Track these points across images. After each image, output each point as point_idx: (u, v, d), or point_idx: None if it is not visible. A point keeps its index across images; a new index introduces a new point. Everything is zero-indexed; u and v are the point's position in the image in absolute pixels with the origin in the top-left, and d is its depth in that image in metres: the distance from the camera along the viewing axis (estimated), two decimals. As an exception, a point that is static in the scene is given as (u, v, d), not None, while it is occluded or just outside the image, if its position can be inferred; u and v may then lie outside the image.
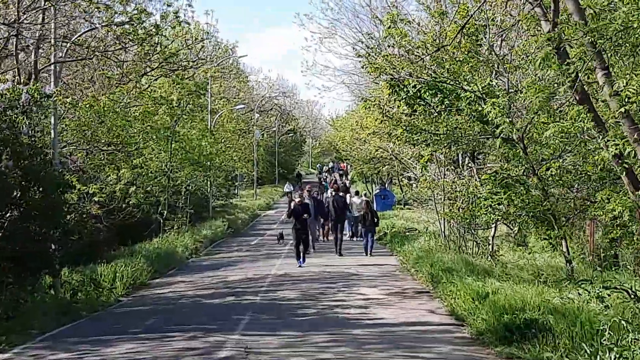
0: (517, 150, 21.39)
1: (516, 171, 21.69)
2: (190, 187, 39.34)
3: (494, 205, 21.35)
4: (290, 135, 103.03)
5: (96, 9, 20.25)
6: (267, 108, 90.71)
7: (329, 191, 45.90)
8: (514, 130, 20.42)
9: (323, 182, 68.54)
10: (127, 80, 26.39)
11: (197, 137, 38.19)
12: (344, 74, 50.76)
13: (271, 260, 29.84)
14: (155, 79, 36.49)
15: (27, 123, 17.80)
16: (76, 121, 24.81)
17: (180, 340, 14.79)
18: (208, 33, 36.83)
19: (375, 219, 32.89)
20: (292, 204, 29.11)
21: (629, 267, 26.34)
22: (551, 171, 21.53)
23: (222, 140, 46.79)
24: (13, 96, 17.90)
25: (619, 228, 17.93)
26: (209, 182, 45.26)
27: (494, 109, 17.94)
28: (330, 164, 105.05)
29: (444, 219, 29.15)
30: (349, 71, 49.27)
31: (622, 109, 13.16)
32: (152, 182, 34.85)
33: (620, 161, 14.77)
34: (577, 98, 15.18)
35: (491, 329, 14.43)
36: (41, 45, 21.24)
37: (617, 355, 11.33)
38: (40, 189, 17.87)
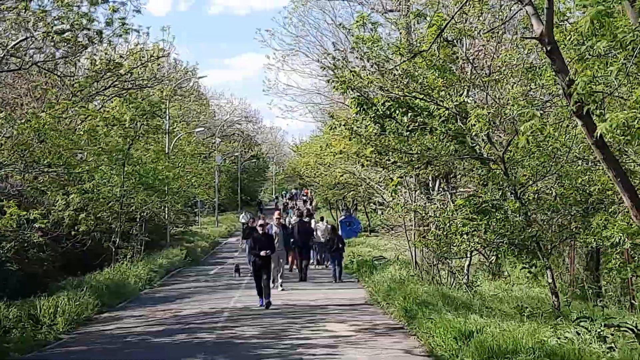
0: (497, 172, 19.70)
1: (493, 195, 20.20)
2: (145, 214, 37.23)
3: (471, 232, 19.68)
4: (253, 161, 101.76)
5: (33, 16, 18.25)
6: (230, 133, 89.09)
7: (292, 217, 43.87)
8: (494, 149, 18.79)
9: (288, 209, 67.08)
10: (77, 99, 24.52)
11: (152, 159, 36.03)
12: (308, 93, 49.12)
13: (230, 292, 27.61)
14: (109, 99, 34.80)
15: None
16: (13, 139, 22.59)
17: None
18: (164, 50, 34.41)
19: (341, 244, 32.56)
20: (253, 235, 24.74)
21: (613, 297, 24.99)
22: (534, 195, 19.97)
23: (180, 164, 44.61)
24: None
25: (619, 256, 16.18)
26: (166, 208, 43.22)
27: (479, 121, 16.05)
28: (293, 191, 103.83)
29: (416, 247, 27.40)
30: (313, 90, 47.56)
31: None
32: (104, 208, 32.64)
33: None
34: (574, 110, 13.29)
35: (478, 376, 12.57)
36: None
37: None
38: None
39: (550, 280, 19.35)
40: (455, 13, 15.12)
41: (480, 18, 18.78)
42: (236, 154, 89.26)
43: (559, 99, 16.29)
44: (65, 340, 19.20)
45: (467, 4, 14.65)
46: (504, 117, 18.29)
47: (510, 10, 13.80)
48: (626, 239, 14.78)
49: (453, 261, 25.29)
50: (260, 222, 22.92)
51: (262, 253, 22.46)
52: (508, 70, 18.28)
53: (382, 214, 44.93)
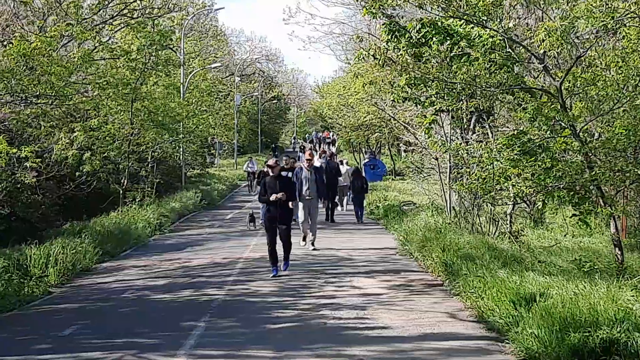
0: (555, 105, 17.07)
1: (542, 134, 17.67)
2: (156, 154, 34.78)
3: (524, 175, 17.15)
4: (274, 102, 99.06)
5: None
6: (249, 72, 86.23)
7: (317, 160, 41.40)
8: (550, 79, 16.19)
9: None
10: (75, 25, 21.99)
11: (163, 95, 33.39)
12: (333, 23, 46.24)
13: (246, 239, 25.03)
14: (117, 30, 32.35)
15: None
16: (-3, 66, 20.02)
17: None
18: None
19: (365, 186, 32.50)
20: (264, 179, 18.18)
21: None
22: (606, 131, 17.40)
23: (196, 102, 42.00)
24: None
25: None
26: (180, 149, 40.75)
27: (549, 36, 13.33)
28: (315, 135, 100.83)
29: (453, 191, 24.85)
30: (337, 20, 44.67)
31: None
32: (111, 147, 30.14)
33: None
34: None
35: (549, 352, 9.94)
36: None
37: None
38: None
39: (614, 231, 16.79)
40: None
41: None
42: (256, 94, 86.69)
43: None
44: (54, 295, 16.90)
45: None
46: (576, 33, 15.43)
47: None
48: None
49: (495, 207, 22.73)
50: (271, 161, 17.60)
51: (272, 197, 16.33)
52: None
53: (411, 155, 42.33)
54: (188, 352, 10.90)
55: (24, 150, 20.35)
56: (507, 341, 11.18)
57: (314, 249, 20.89)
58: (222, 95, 60.74)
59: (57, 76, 19.93)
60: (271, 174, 16.93)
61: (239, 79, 74.47)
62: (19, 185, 21.57)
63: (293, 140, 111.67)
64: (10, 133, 21.80)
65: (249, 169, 51.13)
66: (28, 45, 18.24)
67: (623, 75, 15.80)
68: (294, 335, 11.83)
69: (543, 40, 13.48)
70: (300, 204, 20.30)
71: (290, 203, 16.96)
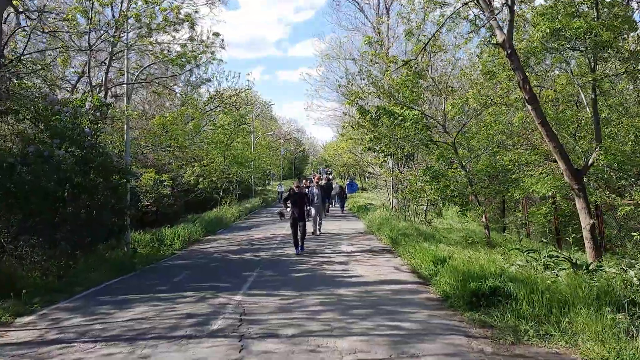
0: (451, 151, 15.59)
1: (440, 168, 16.36)
2: (237, 178, 33.20)
3: (436, 189, 15.65)
4: (301, 152, 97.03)
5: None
6: (288, 138, 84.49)
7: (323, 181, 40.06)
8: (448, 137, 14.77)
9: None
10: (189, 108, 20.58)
11: (241, 148, 31.80)
12: (331, 110, 45.34)
13: (284, 223, 23.15)
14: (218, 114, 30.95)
15: (89, 125, 11.44)
16: (146, 130, 18.57)
17: (189, 302, 8.55)
18: (249, 88, 30.18)
19: (345, 195, 33.29)
20: (290, 192, 15.54)
21: (514, 229, 20.98)
22: (477, 165, 15.94)
23: (259, 152, 40.53)
24: (79, 103, 11.74)
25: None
26: (251, 176, 39.18)
27: (453, 108, 11.77)
28: (321, 169, 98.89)
29: (393, 198, 23.28)
30: (334, 108, 43.60)
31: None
32: (214, 175, 28.68)
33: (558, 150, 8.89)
34: (526, 97, 8.99)
35: (458, 293, 8.30)
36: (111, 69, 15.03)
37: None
38: (101, 173, 11.69)
39: (484, 220, 15.22)
40: (436, 32, 10.82)
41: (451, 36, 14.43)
42: (292, 149, 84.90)
43: (502, 97, 11.95)
44: (177, 254, 15.26)
45: (444, 26, 10.29)
46: (467, 108, 13.94)
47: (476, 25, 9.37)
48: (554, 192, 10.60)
49: (414, 206, 21.13)
50: (296, 183, 15.59)
51: (288, 210, 14.59)
52: (466, 79, 13.99)
53: (371, 179, 41.01)
54: (245, 292, 9.31)
55: (163, 176, 18.84)
56: (430, 285, 9.57)
57: (321, 233, 18.61)
58: (274, 149, 58.98)
59: (181, 136, 18.44)
60: (295, 191, 14.78)
61: (283, 140, 72.79)
62: (161, 196, 19.98)
63: (312, 173, 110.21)
64: (156, 167, 20.23)
65: (278, 188, 47.36)
66: (164, 120, 16.67)
67: (486, 136, 14.40)
68: (307, 281, 10.22)
69: (449, 110, 11.88)
70: (313, 209, 18.01)
71: (305, 209, 15.24)
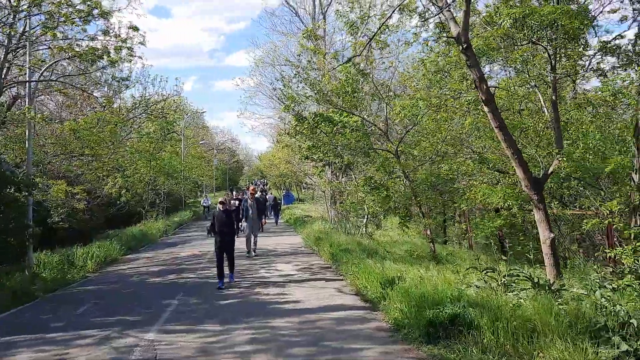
0: (393, 160, 14.73)
1: (382, 177, 15.54)
2: (165, 190, 31.14)
3: (375, 200, 14.72)
4: (235, 163, 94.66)
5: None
6: (222, 147, 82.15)
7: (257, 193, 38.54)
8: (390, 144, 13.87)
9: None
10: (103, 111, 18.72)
11: (169, 158, 29.79)
12: (266, 118, 44.13)
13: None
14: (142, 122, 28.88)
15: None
16: (54, 137, 16.54)
17: (87, 345, 6.93)
18: (178, 92, 28.25)
19: (279, 207, 32.88)
20: (214, 212, 12.31)
21: (455, 242, 20.41)
22: (419, 175, 15.11)
23: (190, 162, 38.53)
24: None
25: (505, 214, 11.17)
26: (181, 187, 37.09)
27: (403, 109, 10.78)
28: (256, 180, 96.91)
29: (332, 209, 22.23)
30: (269, 116, 42.40)
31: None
32: (139, 186, 26.63)
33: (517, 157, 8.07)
34: (483, 98, 8.08)
35: (412, 323, 7.20)
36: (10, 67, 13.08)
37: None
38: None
39: (429, 233, 14.42)
40: (382, 24, 9.77)
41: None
42: (225, 159, 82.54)
43: (454, 98, 11.06)
44: (89, 278, 13.48)
45: (390, 20, 9.31)
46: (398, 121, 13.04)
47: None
48: (512, 202, 9.77)
49: (354, 218, 20.17)
50: (221, 198, 11.98)
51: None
52: (409, 83, 13.09)
53: (308, 190, 39.95)
54: (160, 327, 7.82)
55: (77, 189, 16.87)
56: (379, 311, 8.45)
57: (256, 255, 16.03)
58: (207, 159, 56.76)
59: (96, 143, 16.49)
60: (221, 208, 11.47)
61: (216, 150, 70.43)
62: (74, 210, 17.92)
63: (247, 184, 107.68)
64: (69, 178, 18.13)
65: (204, 203, 40.71)
66: (77, 125, 14.79)
67: (429, 144, 13.64)
68: (237, 310, 8.84)
69: (399, 112, 10.91)
70: (246, 224, 16.04)
71: (239, 226, 13.51)
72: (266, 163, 55.92)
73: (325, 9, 28.66)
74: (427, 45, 10.44)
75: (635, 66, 7.97)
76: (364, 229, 18.89)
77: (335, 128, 15.37)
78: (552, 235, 8.57)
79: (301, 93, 15.31)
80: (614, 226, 7.72)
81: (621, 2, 10.14)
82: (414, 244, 16.85)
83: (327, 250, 14.53)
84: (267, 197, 34.33)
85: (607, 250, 7.45)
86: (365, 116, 15.90)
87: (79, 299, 10.48)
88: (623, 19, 14.58)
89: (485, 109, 8.10)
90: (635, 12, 11.08)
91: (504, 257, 8.16)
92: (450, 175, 15.53)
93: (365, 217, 18.98)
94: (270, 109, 37.94)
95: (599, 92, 8.45)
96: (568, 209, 12.66)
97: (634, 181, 8.69)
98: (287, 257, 15.38)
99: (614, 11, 10.67)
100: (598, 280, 7.50)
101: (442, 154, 14.20)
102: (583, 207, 11.91)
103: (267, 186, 74.94)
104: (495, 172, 14.51)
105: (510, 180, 12.55)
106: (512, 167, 13.21)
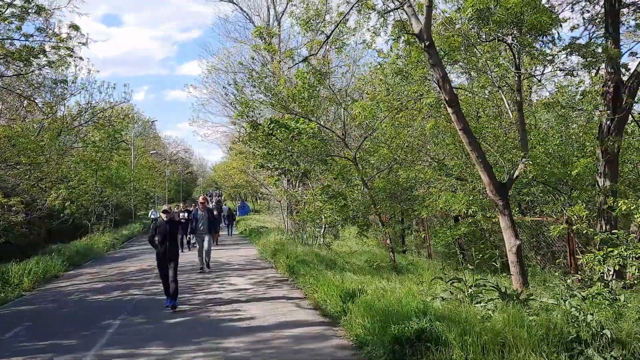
0: (351, 168, 14.30)
1: (340, 186, 15.12)
2: (113, 202, 29.75)
3: (336, 209, 14.25)
4: (188, 174, 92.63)
5: None
6: (175, 158, 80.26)
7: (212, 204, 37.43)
8: (348, 150, 13.45)
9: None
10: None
11: (116, 167, 28.48)
12: (219, 126, 43.26)
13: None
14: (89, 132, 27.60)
15: None
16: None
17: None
18: (126, 98, 27.20)
19: (233, 218, 31.95)
20: (156, 221, 11.71)
21: (414, 250, 20.19)
22: (377, 183, 14.74)
23: (140, 173, 37.11)
24: None
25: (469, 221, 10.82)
26: (131, 199, 35.66)
27: (363, 111, 10.30)
28: (211, 191, 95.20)
29: (288, 219, 21.62)
30: (223, 124, 41.60)
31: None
32: (84, 198, 25.22)
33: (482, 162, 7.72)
34: (447, 99, 7.71)
35: (376, 340, 6.69)
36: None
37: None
38: None
39: (388, 242, 14.02)
40: (340, 21, 9.29)
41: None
42: (179, 171, 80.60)
43: (415, 100, 10.69)
44: (24, 297, 12.37)
45: (347, 22, 8.87)
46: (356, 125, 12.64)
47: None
48: (477, 210, 9.43)
49: (311, 228, 19.61)
50: (165, 207, 10.42)
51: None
52: (367, 88, 12.66)
53: (264, 200, 39.17)
54: (98, 351, 7.01)
55: (13, 200, 15.67)
56: (339, 326, 7.89)
57: (210, 271, 14.57)
58: (159, 170, 55.09)
59: (32, 151, 15.36)
60: (164, 218, 10.03)
61: (168, 161, 68.64)
62: (11, 223, 16.66)
63: (201, 194, 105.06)
64: (5, 189, 16.86)
65: (152, 215, 39.00)
66: (11, 131, 13.69)
67: (387, 151, 13.29)
68: (186, 330, 8.11)
69: (359, 114, 10.45)
70: (198, 238, 14.86)
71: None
72: (220, 174, 54.85)
73: (280, 15, 28.27)
74: (382, 55, 10.06)
75: (603, 66, 7.79)
76: (321, 239, 18.37)
77: (291, 135, 14.84)
78: (518, 242, 8.25)
79: (255, 98, 14.72)
80: (584, 232, 7.44)
81: (572, 11, 10.04)
82: (373, 254, 16.46)
83: (284, 262, 13.89)
84: (222, 207, 33.63)
85: (578, 257, 7.12)
86: (322, 122, 15.45)
87: (9, 321, 9.47)
88: (574, 27, 14.72)
89: (449, 110, 7.73)
90: (585, 21, 11.07)
91: (471, 266, 7.73)
92: (409, 183, 15.23)
93: (323, 227, 18.47)
94: (224, 117, 37.08)
95: (567, 90, 8.23)
96: (528, 215, 12.50)
97: (598, 185, 8.49)
98: (242, 270, 14.64)
99: (564, 20, 10.60)
100: (567, 289, 7.19)
101: (400, 161, 13.85)
102: (544, 213, 11.75)
103: (222, 197, 73.61)
104: (454, 180, 14.29)
105: (469, 187, 12.31)
106: (472, 173, 13.00)
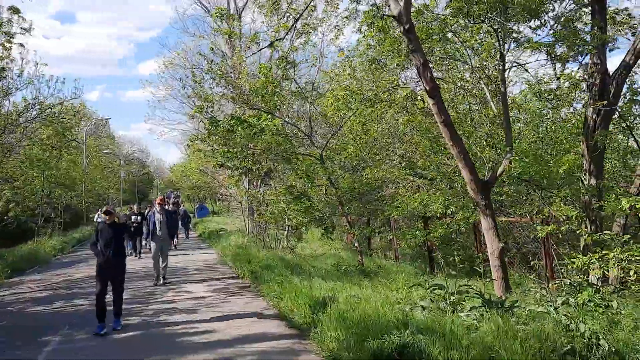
0: (318, 166, 13.60)
1: (305, 185, 14.43)
2: (63, 203, 28.14)
3: (302, 211, 13.55)
4: (145, 175, 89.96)
5: None
6: (131, 159, 77.82)
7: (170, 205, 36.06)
8: (314, 149, 12.75)
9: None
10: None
11: (66, 167, 26.88)
12: (177, 123, 41.73)
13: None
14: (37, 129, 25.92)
15: None
16: None
17: None
18: (75, 94, 25.58)
19: (188, 219, 30.78)
20: (97, 225, 8.91)
21: (379, 252, 19.63)
22: (344, 183, 14.09)
23: (92, 173, 35.40)
24: None
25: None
26: (82, 201, 33.92)
27: (335, 102, 9.58)
28: (169, 193, 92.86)
29: (249, 222, 20.72)
30: (179, 121, 40.17)
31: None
32: (31, 200, 23.67)
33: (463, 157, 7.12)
34: (427, 88, 7.07)
35: (353, 356, 5.93)
36: None
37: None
38: None
39: (356, 244, 13.39)
40: (305, 8, 8.54)
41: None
42: (134, 171, 78.08)
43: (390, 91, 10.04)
44: (-44, 309, 11.04)
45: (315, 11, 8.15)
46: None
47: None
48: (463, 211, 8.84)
49: (274, 230, 18.79)
50: (107, 207, 8.43)
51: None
52: (334, 83, 11.94)
53: (224, 201, 38.11)
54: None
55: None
56: (309, 339, 7.14)
57: (165, 282, 12.63)
58: (113, 171, 53.01)
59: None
60: (107, 221, 8.49)
61: (123, 161, 66.31)
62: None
63: (158, 195, 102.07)
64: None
65: (97, 219, 36.39)
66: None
67: (355, 149, 12.65)
68: (136, 347, 7.20)
69: (331, 105, 9.72)
70: (153, 244, 12.92)
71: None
72: (178, 175, 53.23)
73: (241, 10, 27.33)
74: (341, 54, 9.40)
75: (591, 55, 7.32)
76: (285, 242, 17.58)
77: (254, 131, 14.02)
78: (501, 244, 7.70)
79: (215, 92, 13.84)
80: (578, 232, 6.92)
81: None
82: (340, 257, 15.80)
83: (246, 268, 13.03)
84: (180, 209, 32.51)
85: (573, 259, 6.60)
86: (287, 119, 14.68)
87: None
88: (540, 26, 14.39)
89: (429, 101, 7.09)
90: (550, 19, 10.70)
91: (453, 271, 7.11)
92: (377, 183, 14.64)
93: (287, 229, 17.68)
94: (182, 114, 35.77)
95: (558, 82, 7.73)
96: (502, 216, 12.06)
97: (583, 183, 8.02)
98: (200, 276, 13.70)
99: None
100: (552, 295, 6.66)
101: (369, 158, 13.22)
102: (517, 214, 11.31)
103: (180, 199, 71.75)
104: (423, 180, 13.76)
105: (441, 186, 11.77)
106: (443, 172, 12.47)
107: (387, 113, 11.14)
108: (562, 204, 7.08)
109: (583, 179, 7.81)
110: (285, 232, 17.89)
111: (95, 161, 39.25)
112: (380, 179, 14.37)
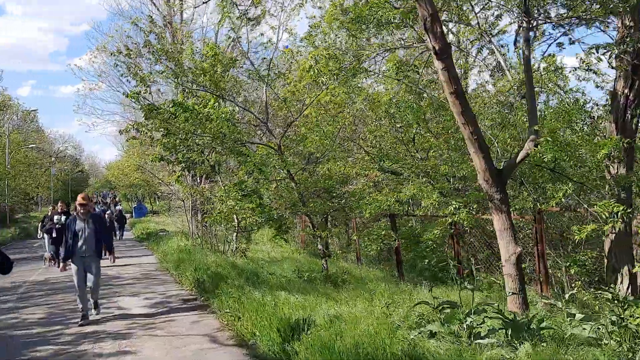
0: (275, 158, 11.86)
1: (259, 181, 12.69)
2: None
3: (259, 211, 11.79)
4: (79, 173, 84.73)
5: None
6: (62, 155, 72.81)
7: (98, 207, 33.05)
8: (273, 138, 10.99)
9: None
10: None
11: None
12: (110, 113, 38.80)
13: (40, 263, 16.93)
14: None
15: None
16: None
17: None
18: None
19: (125, 220, 29.63)
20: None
21: (338, 254, 18.07)
22: (303, 177, 12.43)
23: (17, 170, 32.06)
24: None
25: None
26: (5, 200, 30.64)
27: (317, 63, 7.78)
28: (105, 192, 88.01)
29: (193, 222, 18.63)
30: (115, 112, 37.35)
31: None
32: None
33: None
34: (436, 47, 5.44)
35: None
36: None
37: None
38: None
39: (320, 247, 11.74)
40: None
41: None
42: (67, 169, 73.10)
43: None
44: None
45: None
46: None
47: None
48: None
49: (221, 231, 16.82)
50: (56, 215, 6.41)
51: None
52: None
53: (164, 200, 35.63)
54: None
55: None
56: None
57: (97, 313, 8.65)
58: (42, 167, 48.95)
59: None
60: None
61: (54, 158, 61.64)
62: None
63: (94, 195, 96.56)
64: None
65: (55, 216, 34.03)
66: None
67: (318, 137, 11.02)
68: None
69: (309, 69, 7.92)
70: (74, 266, 8.41)
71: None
72: (115, 172, 49.82)
73: (184, -9, 25.03)
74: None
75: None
76: (234, 245, 15.65)
77: (198, 120, 12.05)
78: (518, 249, 6.17)
79: (155, 69, 11.79)
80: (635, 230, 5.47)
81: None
82: (297, 261, 14.12)
83: (191, 276, 11.04)
84: (116, 208, 30.19)
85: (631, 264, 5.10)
86: (240, 101, 12.78)
87: None
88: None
89: (438, 65, 5.47)
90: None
91: (469, 286, 5.50)
92: (341, 177, 13.04)
93: (236, 230, 15.76)
94: (118, 104, 32.92)
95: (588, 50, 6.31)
96: (487, 213, 10.68)
97: (609, 172, 6.64)
98: (135, 287, 11.58)
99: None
100: (608, 315, 5.19)
101: (335, 149, 11.56)
102: (514, 210, 9.94)
103: (117, 198, 67.90)
104: (393, 175, 12.27)
105: (420, 179, 10.26)
106: (417, 165, 10.96)
107: (360, 94, 9.48)
108: (604, 199, 5.64)
109: (612, 167, 6.45)
110: (235, 234, 15.98)
111: (20, 156, 35.66)
112: (345, 174, 12.80)
